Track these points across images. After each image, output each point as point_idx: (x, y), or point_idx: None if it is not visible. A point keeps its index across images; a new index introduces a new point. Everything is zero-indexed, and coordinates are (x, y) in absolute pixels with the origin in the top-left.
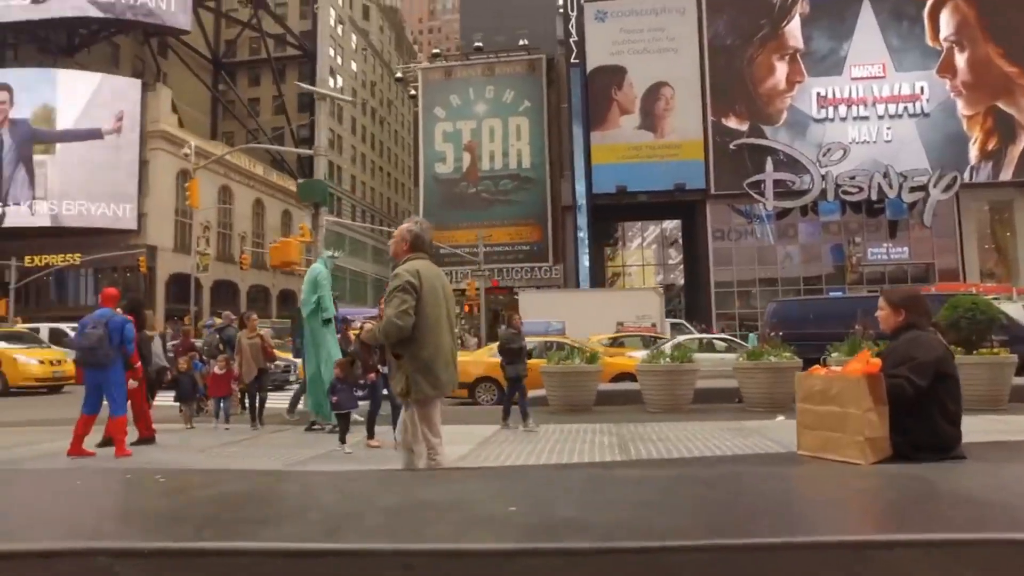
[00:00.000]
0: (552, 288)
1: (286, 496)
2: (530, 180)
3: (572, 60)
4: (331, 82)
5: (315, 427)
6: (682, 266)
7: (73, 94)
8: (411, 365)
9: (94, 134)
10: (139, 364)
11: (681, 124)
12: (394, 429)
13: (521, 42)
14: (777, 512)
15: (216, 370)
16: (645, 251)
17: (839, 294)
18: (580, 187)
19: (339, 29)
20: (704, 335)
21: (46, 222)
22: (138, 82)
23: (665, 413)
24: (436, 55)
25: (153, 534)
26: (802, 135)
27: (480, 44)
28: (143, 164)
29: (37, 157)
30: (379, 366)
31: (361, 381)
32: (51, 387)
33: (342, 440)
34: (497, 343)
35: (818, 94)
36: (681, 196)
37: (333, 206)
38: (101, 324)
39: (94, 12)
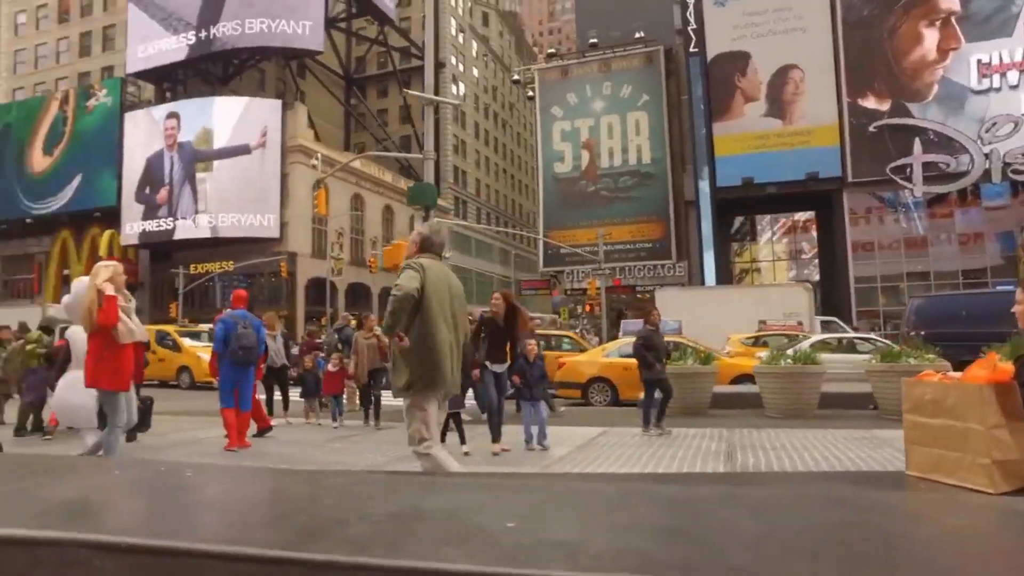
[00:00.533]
0: (686, 287)
1: (284, 499)
2: (651, 176)
3: (691, 49)
4: (453, 89)
5: None
6: (817, 260)
7: (226, 117)
8: (414, 359)
9: (243, 150)
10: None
11: (812, 108)
12: (491, 431)
13: (637, 35)
14: (840, 557)
15: (330, 368)
16: (775, 246)
17: (1010, 287)
18: (703, 181)
19: (460, 37)
20: (849, 335)
21: (206, 233)
22: (278, 102)
23: (786, 419)
24: (552, 55)
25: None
26: (958, 110)
27: (595, 40)
28: (284, 177)
29: (199, 175)
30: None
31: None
32: None
33: (462, 440)
34: (613, 343)
35: (979, 61)
36: (814, 186)
37: (459, 209)
38: (250, 325)
39: (243, 44)
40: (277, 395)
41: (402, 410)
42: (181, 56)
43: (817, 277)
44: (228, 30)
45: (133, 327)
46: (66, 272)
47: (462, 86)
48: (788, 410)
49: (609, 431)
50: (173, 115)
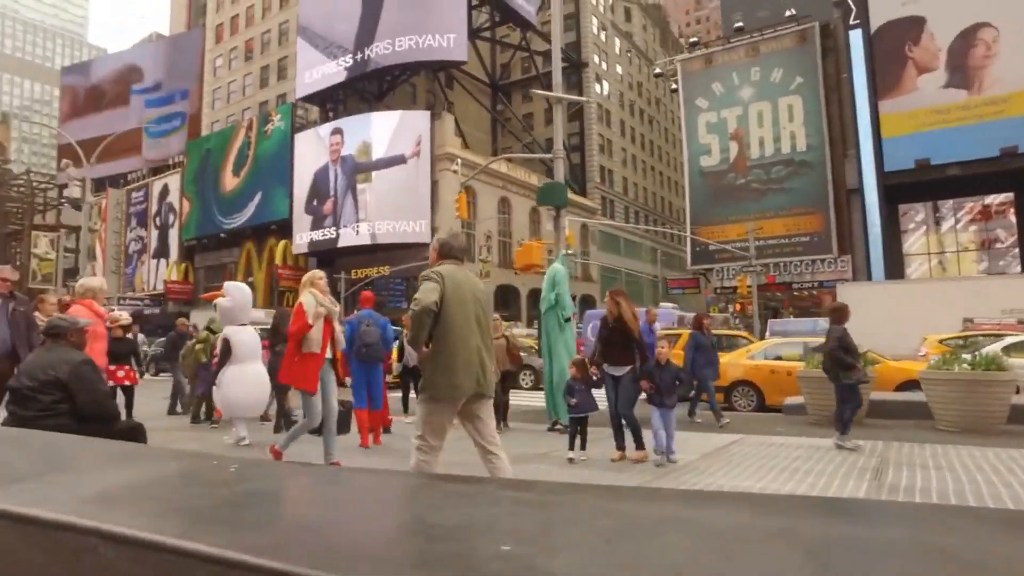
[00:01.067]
0: (876, 281)
1: (288, 498)
2: (806, 164)
3: (851, 22)
4: (597, 88)
5: (557, 428)
6: (1018, 250)
7: (382, 130)
8: (431, 364)
9: (399, 160)
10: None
11: (1009, 72)
12: (627, 439)
13: (788, 12)
14: None
15: None
16: (959, 235)
17: None
18: (868, 166)
19: (602, 35)
20: None
21: (366, 240)
22: (427, 113)
23: (962, 434)
24: (694, 44)
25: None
26: None
27: (741, 24)
28: (434, 184)
29: (359, 186)
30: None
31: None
32: None
33: (571, 445)
34: (758, 343)
35: None
36: (1012, 162)
37: (606, 209)
38: (374, 324)
39: (395, 61)
40: (413, 394)
41: (534, 411)
42: (341, 78)
43: (1018, 268)
44: (380, 50)
45: (319, 338)
46: (250, 279)
47: (606, 84)
48: (964, 423)
49: (744, 439)
50: (337, 131)
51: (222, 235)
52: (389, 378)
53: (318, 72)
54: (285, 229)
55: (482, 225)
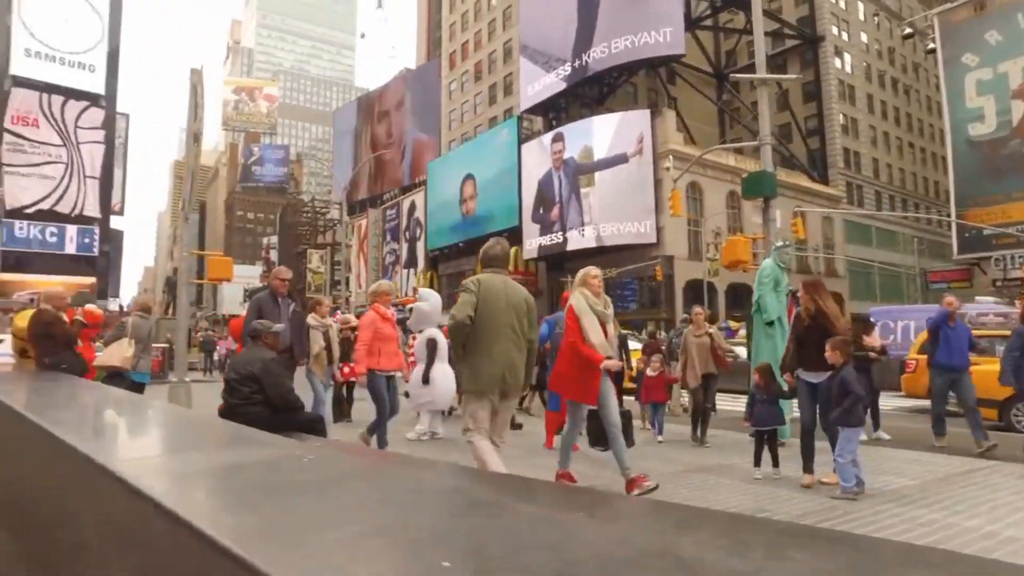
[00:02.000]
0: None
1: (343, 490)
2: None
3: None
4: (837, 63)
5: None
6: None
7: (603, 134)
8: (465, 361)
9: (620, 159)
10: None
11: None
12: (803, 457)
13: None
14: None
15: (648, 372)
16: None
17: None
18: None
19: (841, 2)
20: None
21: (592, 243)
22: (647, 111)
23: None
24: None
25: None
26: None
27: None
28: (657, 183)
29: (583, 190)
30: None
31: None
32: None
33: (755, 462)
34: None
35: None
36: None
37: (852, 196)
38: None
39: (612, 63)
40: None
41: (735, 418)
42: (560, 87)
43: None
44: (597, 54)
45: (598, 342)
46: None
47: (847, 57)
48: None
49: (997, 468)
50: (559, 137)
51: (460, 245)
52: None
53: (539, 84)
54: (516, 236)
55: (709, 222)
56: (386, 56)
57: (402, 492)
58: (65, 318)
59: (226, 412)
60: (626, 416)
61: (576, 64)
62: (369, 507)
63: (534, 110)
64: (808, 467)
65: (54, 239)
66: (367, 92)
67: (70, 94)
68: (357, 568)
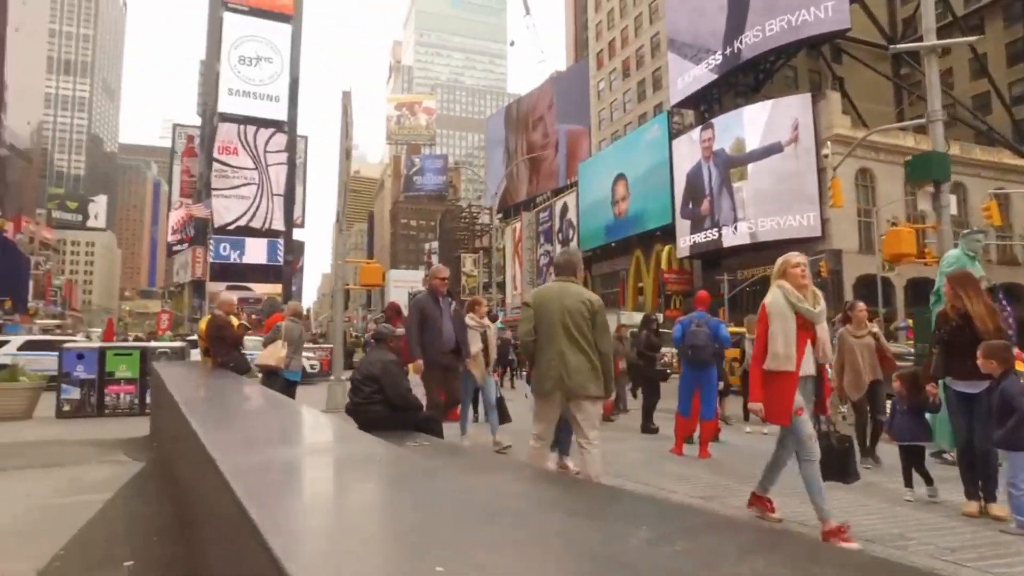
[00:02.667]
0: None
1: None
2: None
3: None
4: None
5: (944, 456)
6: None
7: (754, 124)
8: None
9: (775, 149)
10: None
11: None
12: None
13: None
14: None
15: None
16: None
17: None
18: None
19: None
20: None
21: (747, 240)
22: (807, 96)
23: None
24: None
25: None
26: None
27: None
28: (820, 172)
29: (735, 184)
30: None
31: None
32: None
33: (906, 482)
34: None
35: None
36: None
37: None
38: (704, 324)
39: (767, 47)
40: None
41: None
42: (712, 77)
43: None
44: (750, 39)
45: (788, 351)
46: (640, 284)
47: None
48: None
49: None
50: (708, 127)
51: (612, 244)
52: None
53: (689, 76)
54: (668, 234)
55: (884, 211)
56: (536, 61)
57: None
58: (234, 322)
59: (351, 410)
60: (844, 444)
61: (727, 52)
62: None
63: (685, 103)
64: (971, 492)
65: (249, 251)
66: (517, 98)
67: (260, 123)
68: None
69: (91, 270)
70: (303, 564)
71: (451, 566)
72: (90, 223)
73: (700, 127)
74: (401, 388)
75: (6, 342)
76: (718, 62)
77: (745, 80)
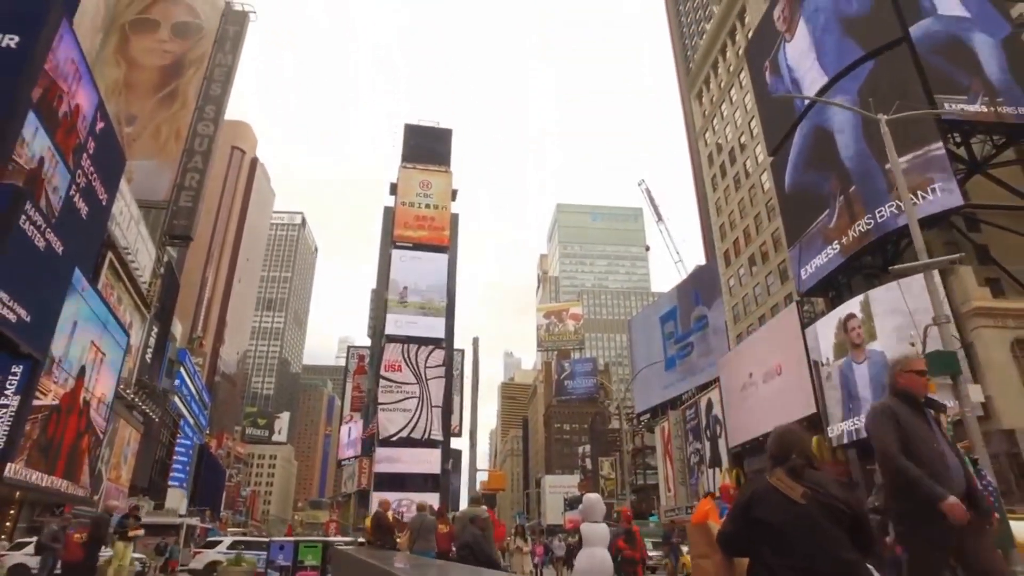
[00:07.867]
0: None
1: None
2: None
3: None
4: None
5: None
6: None
7: (882, 304)
8: None
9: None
10: None
11: None
12: None
13: None
14: None
15: None
16: None
17: None
18: None
19: None
20: None
21: None
22: (934, 274)
23: None
24: None
25: None
26: None
27: None
28: (967, 348)
29: (856, 365)
30: None
31: None
32: None
33: None
34: None
35: None
36: None
37: None
38: None
39: (883, 231)
40: None
41: None
42: (835, 265)
43: None
44: (862, 227)
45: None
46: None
47: None
48: None
49: None
50: (851, 317)
51: (760, 438)
52: None
53: (812, 265)
54: (815, 423)
55: None
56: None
57: None
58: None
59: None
60: None
61: (843, 240)
62: None
63: (813, 291)
64: None
65: (410, 461)
66: (657, 299)
67: (422, 342)
68: None
69: (272, 481)
70: None
71: None
72: (275, 438)
73: (845, 317)
74: (487, 553)
75: (219, 541)
76: (836, 250)
77: (874, 261)
